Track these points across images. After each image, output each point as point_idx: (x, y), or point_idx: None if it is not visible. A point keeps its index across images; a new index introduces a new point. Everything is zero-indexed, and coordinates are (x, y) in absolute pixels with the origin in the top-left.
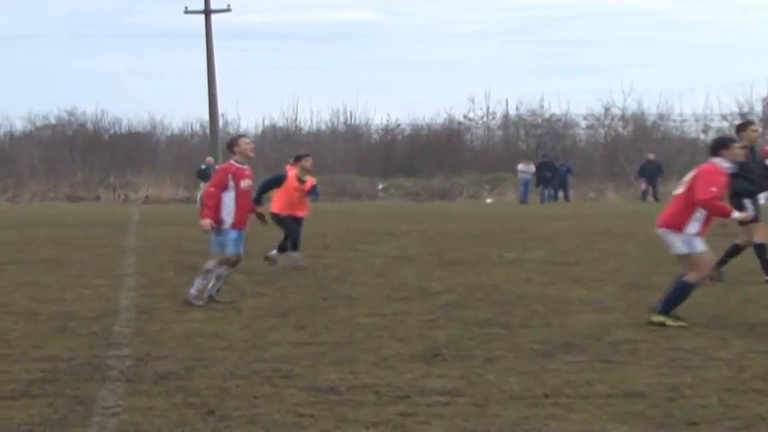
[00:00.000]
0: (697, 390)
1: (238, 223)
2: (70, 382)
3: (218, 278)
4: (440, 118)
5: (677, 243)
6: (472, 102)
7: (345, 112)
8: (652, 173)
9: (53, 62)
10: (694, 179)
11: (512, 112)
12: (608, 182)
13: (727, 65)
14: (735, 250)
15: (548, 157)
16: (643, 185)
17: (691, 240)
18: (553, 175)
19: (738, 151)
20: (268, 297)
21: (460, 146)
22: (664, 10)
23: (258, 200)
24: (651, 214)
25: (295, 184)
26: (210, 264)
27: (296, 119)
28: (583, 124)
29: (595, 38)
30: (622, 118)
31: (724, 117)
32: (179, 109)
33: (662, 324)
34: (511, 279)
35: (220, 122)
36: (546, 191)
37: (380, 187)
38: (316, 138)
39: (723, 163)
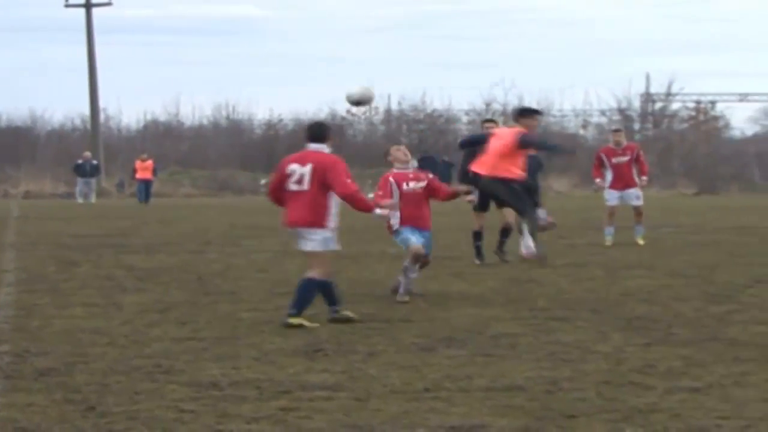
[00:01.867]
0: (575, 383)
1: (407, 221)
2: None
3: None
4: (323, 113)
5: (318, 240)
6: None
7: (227, 106)
8: (532, 168)
9: None
10: (323, 173)
11: (394, 107)
12: None
13: (607, 62)
14: (504, 232)
15: (429, 152)
16: None
17: (330, 238)
18: (434, 171)
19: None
20: (149, 293)
21: (343, 141)
22: (544, 7)
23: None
24: None
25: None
26: (406, 262)
27: (178, 114)
28: (465, 119)
29: (476, 34)
30: (504, 113)
31: (602, 112)
32: (60, 104)
33: (301, 325)
34: (393, 274)
35: (101, 117)
36: None
37: (263, 182)
38: (198, 133)
39: (328, 149)
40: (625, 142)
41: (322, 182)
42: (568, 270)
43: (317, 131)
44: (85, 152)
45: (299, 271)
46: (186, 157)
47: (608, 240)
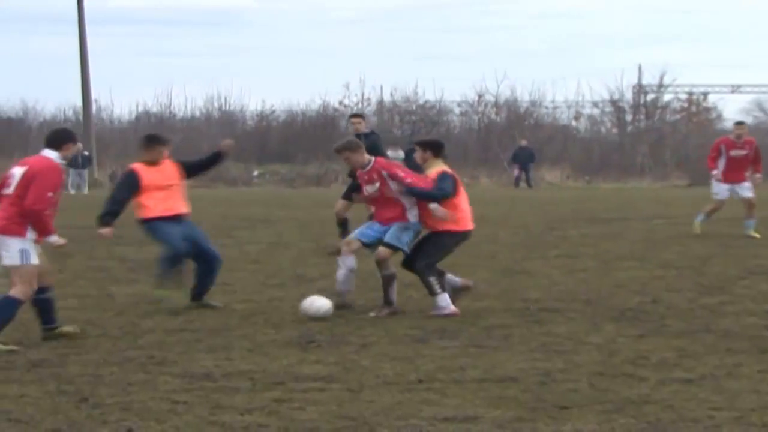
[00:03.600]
0: (568, 374)
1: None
2: None
3: None
4: (315, 105)
5: (12, 252)
6: (347, 88)
7: (219, 98)
8: (524, 159)
9: None
10: (30, 178)
11: (387, 98)
12: (482, 168)
13: (599, 53)
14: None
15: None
16: (516, 171)
17: (28, 250)
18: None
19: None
20: (142, 284)
21: (335, 133)
22: None
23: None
24: (524, 200)
25: None
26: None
27: (170, 105)
28: (457, 110)
29: (468, 25)
30: (496, 104)
31: (595, 104)
32: (52, 95)
33: None
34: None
35: (93, 108)
36: None
37: (255, 173)
38: (190, 124)
39: (59, 159)
40: (745, 136)
41: (27, 187)
42: (561, 261)
43: (50, 136)
44: (77, 143)
45: (292, 262)
46: (178, 148)
47: (697, 227)
